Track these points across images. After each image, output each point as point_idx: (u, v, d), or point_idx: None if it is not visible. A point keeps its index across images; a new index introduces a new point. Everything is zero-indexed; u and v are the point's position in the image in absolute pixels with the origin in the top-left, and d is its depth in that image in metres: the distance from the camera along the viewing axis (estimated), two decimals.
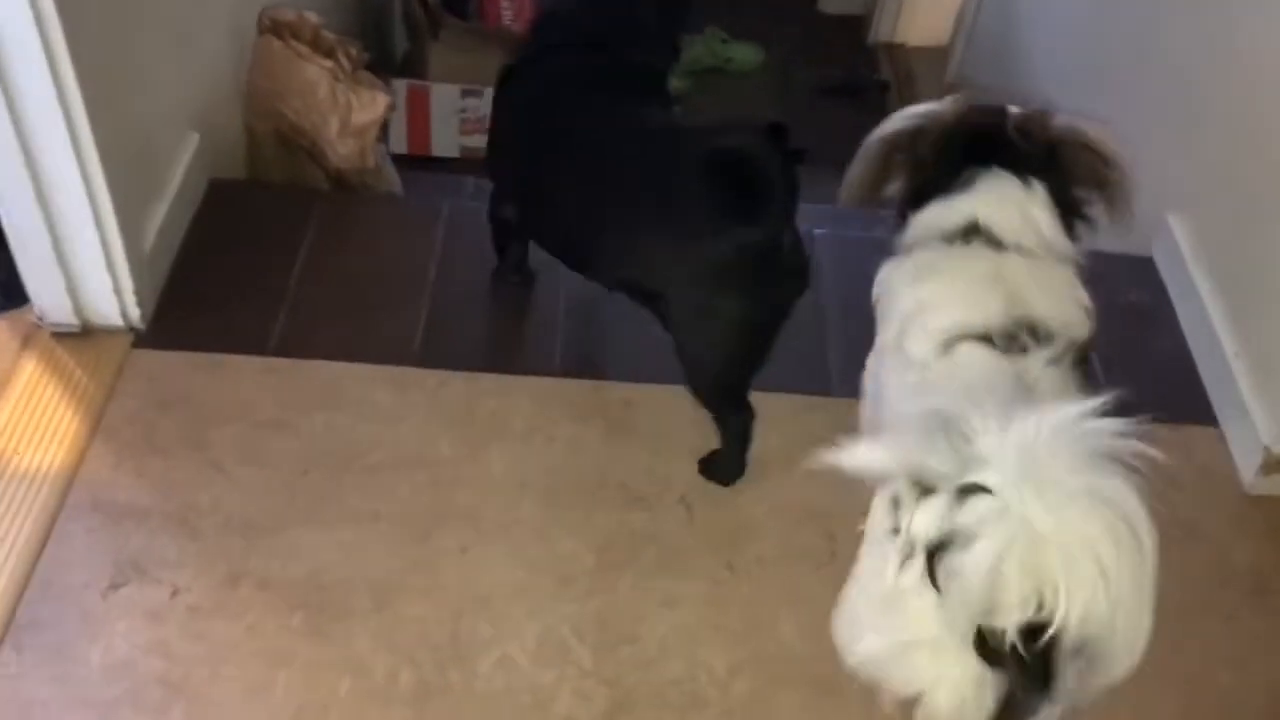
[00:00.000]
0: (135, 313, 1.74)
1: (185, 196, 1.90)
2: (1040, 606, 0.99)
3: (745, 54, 4.47)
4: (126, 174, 1.66)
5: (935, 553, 1.03)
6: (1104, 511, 0.99)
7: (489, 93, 2.87)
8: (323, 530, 1.55)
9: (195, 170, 1.94)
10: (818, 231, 2.10)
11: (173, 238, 1.86)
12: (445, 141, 2.83)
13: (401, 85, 2.78)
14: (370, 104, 2.07)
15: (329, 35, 2.17)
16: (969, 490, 1.00)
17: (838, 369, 1.82)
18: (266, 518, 1.55)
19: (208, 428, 1.65)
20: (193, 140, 1.94)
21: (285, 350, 1.77)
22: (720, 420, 1.60)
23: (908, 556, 1.07)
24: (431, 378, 1.75)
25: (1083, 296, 1.37)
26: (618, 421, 1.72)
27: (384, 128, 2.77)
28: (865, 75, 4.39)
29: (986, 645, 1.03)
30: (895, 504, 1.10)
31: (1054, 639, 1.00)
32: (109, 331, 1.74)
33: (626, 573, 1.54)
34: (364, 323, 1.82)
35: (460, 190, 2.39)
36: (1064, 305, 1.34)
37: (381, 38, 3.34)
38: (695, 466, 1.65)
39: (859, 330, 1.70)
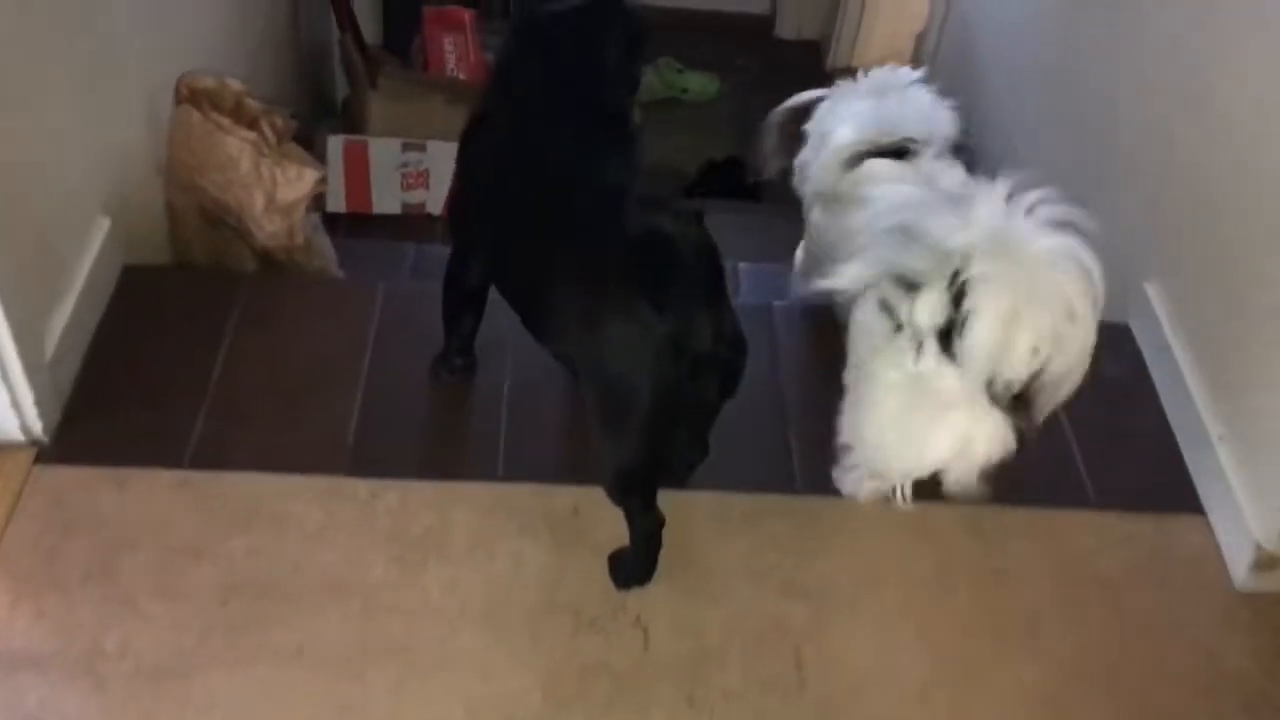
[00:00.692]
0: (37, 426, 1.59)
1: (95, 289, 1.76)
2: (1037, 352, 1.27)
3: (700, 84, 4.36)
4: (22, 273, 1.52)
5: (944, 335, 1.30)
6: (1069, 265, 1.27)
7: (432, 146, 2.77)
8: (242, 670, 1.41)
9: (106, 258, 1.80)
10: (777, 304, 1.98)
11: (80, 337, 1.72)
12: (386, 198, 2.70)
13: (338, 141, 2.64)
14: (297, 180, 1.93)
15: (253, 103, 2.03)
16: (958, 278, 1.26)
17: (802, 463, 1.71)
18: (180, 660, 1.41)
19: (117, 555, 1.51)
20: (103, 225, 1.80)
21: (204, 460, 1.63)
22: (627, 517, 1.49)
23: (919, 345, 1.33)
24: (363, 488, 1.62)
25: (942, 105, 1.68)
26: (565, 532, 1.59)
27: (318, 197, 2.64)
28: None
29: (997, 395, 1.32)
30: (885, 307, 1.36)
31: (1041, 377, 1.30)
32: (7, 448, 1.60)
33: (576, 711, 1.41)
34: (290, 425, 1.69)
35: (399, 262, 2.26)
36: (932, 115, 1.66)
37: (321, 83, 3.21)
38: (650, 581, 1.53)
39: (824, 423, 1.60)
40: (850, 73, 1.80)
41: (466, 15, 3.11)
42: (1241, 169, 1.71)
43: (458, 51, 3.09)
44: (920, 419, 1.42)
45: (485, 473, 1.65)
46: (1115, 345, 1.94)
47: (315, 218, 2.15)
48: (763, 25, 4.68)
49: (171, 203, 2.03)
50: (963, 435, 1.41)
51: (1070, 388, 1.34)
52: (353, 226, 2.67)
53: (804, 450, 1.72)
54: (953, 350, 1.31)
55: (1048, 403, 1.36)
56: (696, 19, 4.60)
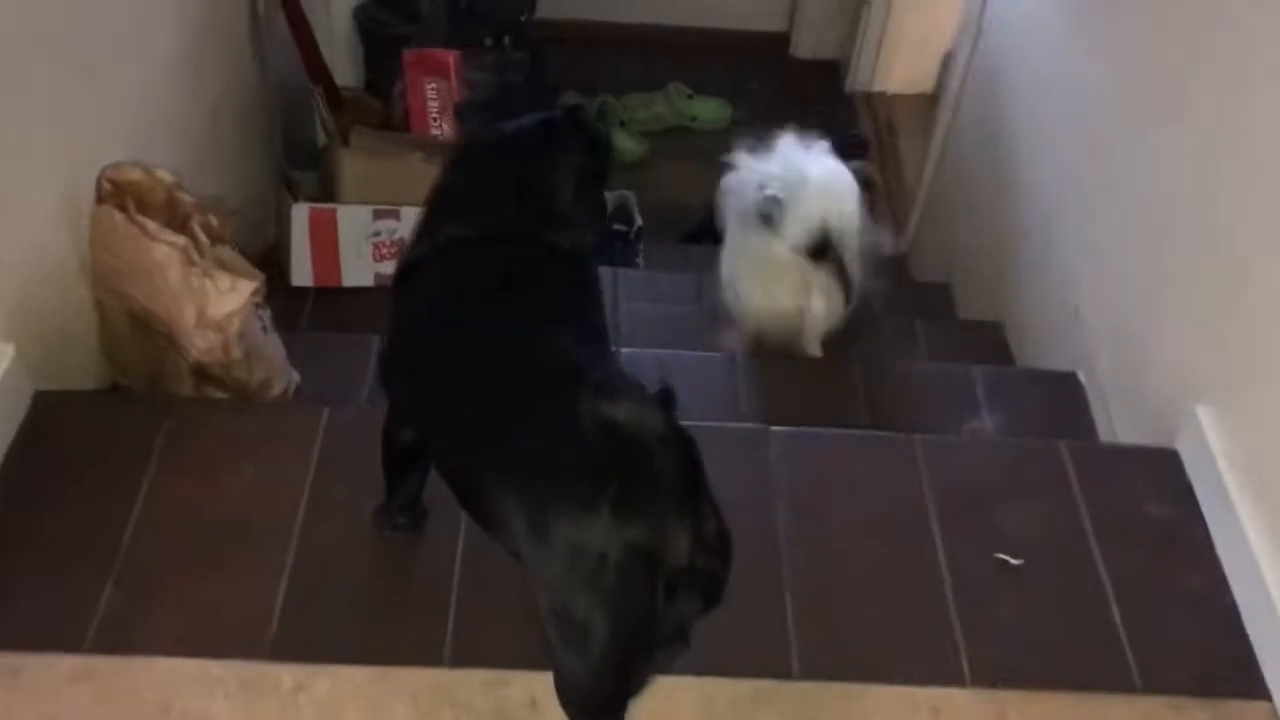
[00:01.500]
0: None
1: None
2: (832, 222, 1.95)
3: (711, 110, 4.13)
4: None
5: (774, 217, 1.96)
6: (844, 170, 1.99)
7: (407, 213, 2.55)
8: None
9: (10, 391, 1.59)
10: (774, 429, 1.75)
11: None
12: (357, 270, 2.47)
13: (302, 210, 2.42)
14: (231, 292, 1.70)
15: (186, 198, 1.81)
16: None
17: (801, 640, 1.48)
18: None
19: None
20: (5, 354, 1.59)
21: (109, 641, 1.41)
22: None
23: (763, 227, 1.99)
24: (288, 676, 1.40)
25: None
26: None
27: (283, 255, 2.42)
28: (839, 134, 4.01)
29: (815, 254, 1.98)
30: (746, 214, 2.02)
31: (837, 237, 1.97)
32: None
33: None
34: (210, 597, 1.47)
35: (362, 360, 2.03)
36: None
37: (301, 130, 2.98)
38: None
39: (827, 599, 1.38)
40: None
41: (450, 58, 2.88)
42: None
43: (441, 98, 2.86)
44: (769, 271, 2.06)
45: (430, 656, 1.43)
46: (1161, 475, 1.71)
47: (264, 315, 1.92)
48: (778, 44, 4.43)
49: (101, 302, 1.81)
50: (798, 287, 2.05)
51: (852, 244, 2.01)
52: (321, 302, 2.46)
53: (803, 621, 1.49)
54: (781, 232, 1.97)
55: (846, 256, 2.01)
56: (707, 39, 4.36)
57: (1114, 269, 2.03)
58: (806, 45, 4.38)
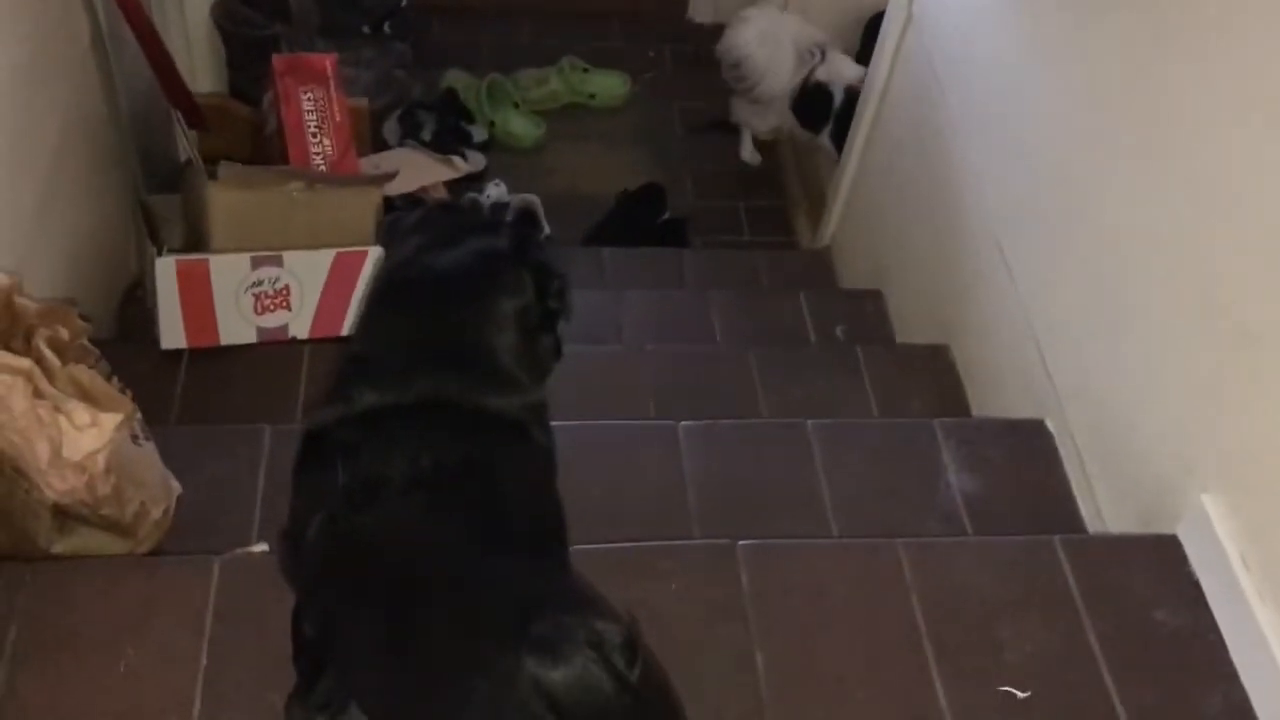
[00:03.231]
0: None
1: None
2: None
3: (609, 84, 3.85)
4: None
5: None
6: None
7: (290, 258, 2.24)
8: None
9: None
10: (742, 543, 1.54)
11: None
12: (237, 326, 2.16)
13: (169, 264, 2.09)
14: (91, 428, 1.41)
15: (28, 304, 1.50)
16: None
17: None
18: None
19: None
20: None
21: None
22: None
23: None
24: None
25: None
26: None
27: (150, 311, 2.12)
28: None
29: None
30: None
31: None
32: None
33: None
34: None
35: (250, 464, 1.76)
36: None
37: (163, 149, 2.63)
38: None
39: None
40: None
41: (327, 62, 2.54)
42: None
43: (319, 107, 2.53)
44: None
45: None
46: (1164, 571, 1.56)
47: (137, 422, 1.63)
48: (675, 7, 4.15)
49: None
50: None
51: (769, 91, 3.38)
52: (198, 364, 2.15)
53: None
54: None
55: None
56: (601, 4, 4.06)
57: (1080, 308, 1.86)
58: (705, 9, 4.11)
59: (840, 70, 3.28)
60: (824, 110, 3.26)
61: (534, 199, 2.97)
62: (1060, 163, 1.95)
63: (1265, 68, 1.42)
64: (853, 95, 3.04)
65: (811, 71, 3.33)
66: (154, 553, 1.57)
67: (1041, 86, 2.04)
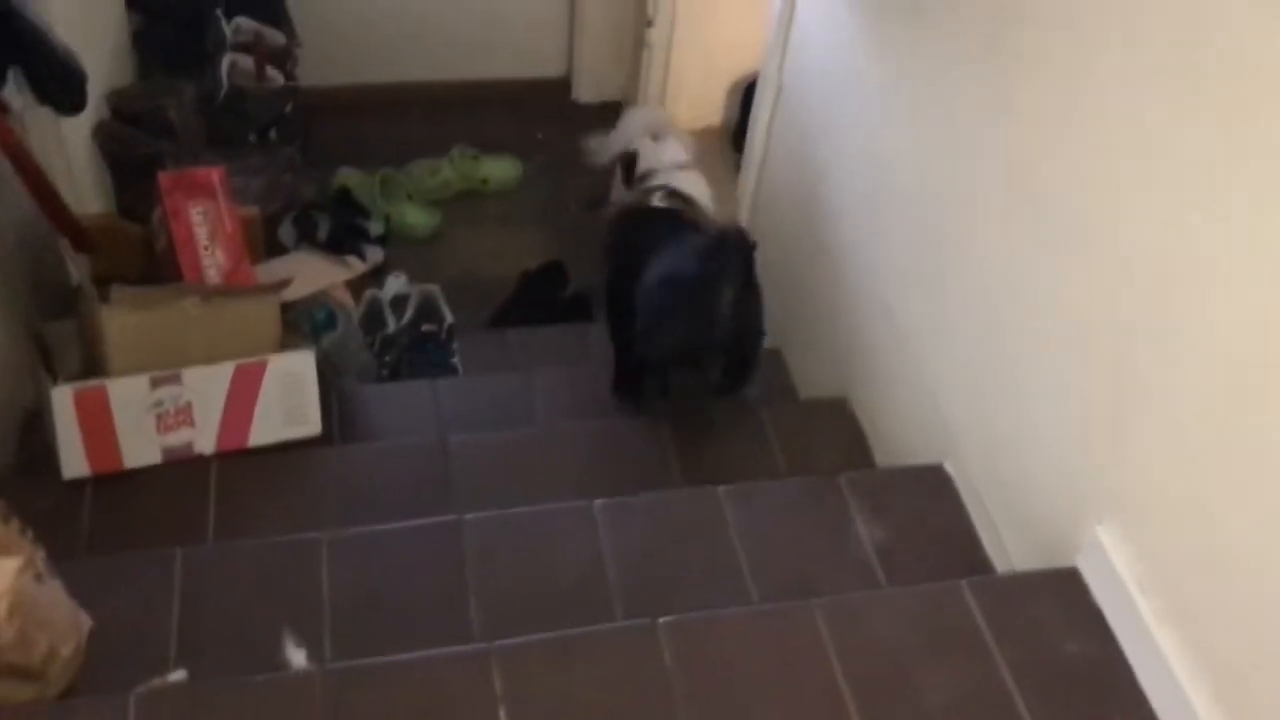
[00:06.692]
0: None
1: None
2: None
3: (501, 170, 3.91)
4: None
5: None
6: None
7: (190, 375, 2.24)
8: None
9: None
10: (664, 622, 1.56)
11: None
12: (139, 448, 2.14)
13: (65, 394, 2.07)
14: None
15: None
16: None
17: None
18: None
19: None
20: None
21: None
22: None
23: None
24: None
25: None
26: None
27: (49, 442, 2.08)
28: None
29: None
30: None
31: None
32: None
33: None
34: None
35: (163, 585, 1.73)
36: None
37: (53, 274, 2.60)
38: None
39: None
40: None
41: (215, 175, 2.54)
42: (1242, 380, 1.38)
43: (210, 221, 2.53)
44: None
45: None
46: (1067, 603, 1.62)
47: (39, 558, 1.61)
48: (559, 90, 4.24)
49: None
50: None
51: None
52: (103, 490, 2.12)
53: None
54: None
55: None
56: (487, 91, 4.13)
57: (968, 356, 1.93)
58: (588, 88, 4.21)
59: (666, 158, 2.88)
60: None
61: (435, 289, 2.98)
62: (933, 222, 2.04)
63: (1131, 120, 1.51)
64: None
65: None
66: (67, 692, 1.54)
67: (908, 146, 2.13)
